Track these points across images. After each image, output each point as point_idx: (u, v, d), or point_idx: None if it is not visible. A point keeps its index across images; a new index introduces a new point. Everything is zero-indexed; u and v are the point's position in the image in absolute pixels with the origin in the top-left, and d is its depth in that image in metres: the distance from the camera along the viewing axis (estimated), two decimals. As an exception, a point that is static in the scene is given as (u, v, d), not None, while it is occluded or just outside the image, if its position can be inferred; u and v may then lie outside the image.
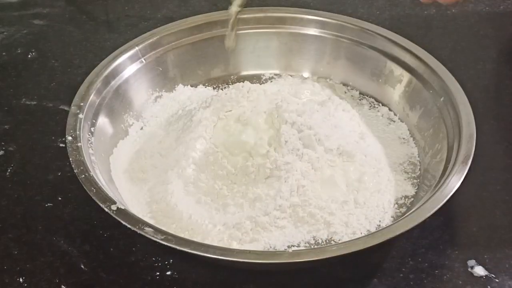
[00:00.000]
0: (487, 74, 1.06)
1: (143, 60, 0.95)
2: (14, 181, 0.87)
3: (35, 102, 1.01)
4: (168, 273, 0.75)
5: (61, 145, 0.92)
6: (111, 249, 0.77)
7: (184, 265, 0.75)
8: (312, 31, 1.01)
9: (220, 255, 0.66)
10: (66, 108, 0.99)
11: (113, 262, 0.76)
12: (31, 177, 0.88)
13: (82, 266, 0.76)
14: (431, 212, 0.69)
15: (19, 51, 1.13)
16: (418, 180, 0.85)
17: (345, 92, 1.00)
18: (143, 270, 0.75)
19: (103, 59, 0.93)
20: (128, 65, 0.93)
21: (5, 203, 0.84)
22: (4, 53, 1.12)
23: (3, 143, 0.93)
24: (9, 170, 0.89)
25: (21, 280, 0.74)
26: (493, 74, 1.07)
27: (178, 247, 0.67)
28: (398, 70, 0.95)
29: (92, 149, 0.80)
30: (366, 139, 0.88)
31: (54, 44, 1.14)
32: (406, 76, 0.93)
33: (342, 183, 0.82)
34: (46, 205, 0.84)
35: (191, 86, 1.00)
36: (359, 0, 1.24)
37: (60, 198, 0.84)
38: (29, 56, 1.11)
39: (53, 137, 0.94)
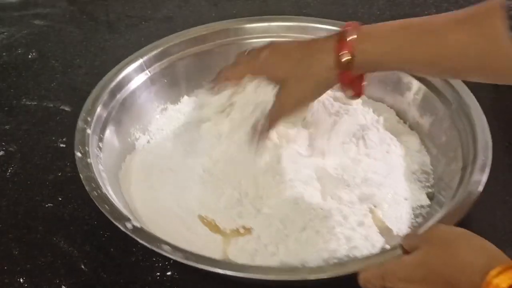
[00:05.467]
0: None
1: (148, 72, 0.94)
2: (14, 181, 0.88)
3: (35, 103, 1.01)
4: (169, 273, 0.75)
5: (61, 145, 0.92)
6: (112, 250, 0.77)
7: (184, 266, 0.75)
8: None
9: (238, 271, 0.66)
10: (66, 109, 0.99)
11: (113, 263, 0.76)
12: (32, 178, 0.88)
13: (83, 267, 0.76)
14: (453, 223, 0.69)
15: (19, 51, 1.13)
16: (433, 189, 0.85)
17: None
18: (143, 270, 0.75)
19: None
20: (133, 78, 0.92)
21: (6, 204, 0.84)
22: (4, 53, 1.12)
23: (3, 143, 0.93)
24: (9, 171, 0.89)
25: (21, 280, 0.74)
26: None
27: (198, 265, 0.66)
28: (406, 78, 0.93)
29: (101, 164, 0.79)
30: (389, 146, 0.88)
31: (54, 44, 1.14)
32: (415, 83, 0.92)
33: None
34: (47, 205, 0.84)
35: (196, 97, 0.99)
36: (359, 0, 1.24)
37: (60, 199, 0.84)
38: (30, 56, 1.11)
39: (53, 137, 0.94)
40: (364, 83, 0.76)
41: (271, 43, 0.79)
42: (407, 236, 0.66)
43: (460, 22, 0.67)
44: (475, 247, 0.57)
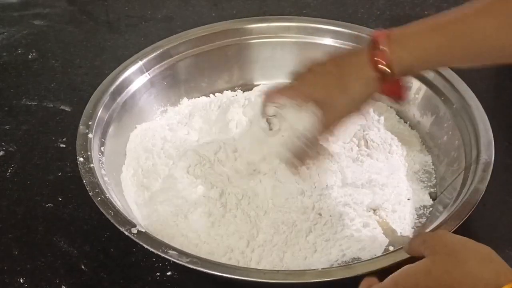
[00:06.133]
0: (487, 74, 1.06)
1: (148, 75, 0.93)
2: (14, 181, 0.88)
3: (35, 103, 1.01)
4: (169, 273, 0.75)
5: (61, 145, 0.92)
6: (112, 250, 0.77)
7: (184, 266, 0.75)
8: (326, 41, 0.99)
9: (244, 276, 0.66)
10: (66, 109, 0.99)
11: (113, 263, 0.76)
12: (32, 178, 0.88)
13: (83, 267, 0.76)
14: (457, 225, 0.69)
15: (19, 51, 1.13)
16: (435, 189, 0.85)
17: None
18: (143, 270, 0.75)
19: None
20: (133, 80, 0.91)
21: (6, 204, 0.84)
22: (4, 54, 1.12)
23: (3, 144, 0.93)
24: (9, 171, 0.89)
25: (21, 280, 0.74)
26: (493, 74, 1.07)
27: (205, 270, 0.66)
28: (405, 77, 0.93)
29: (104, 169, 0.79)
30: (390, 146, 0.88)
31: (54, 44, 1.14)
32: (415, 83, 0.92)
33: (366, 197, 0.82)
34: (47, 205, 0.84)
35: (196, 98, 0.99)
36: (359, 0, 1.24)
37: (60, 199, 0.84)
38: (30, 56, 1.11)
39: (53, 137, 0.94)
40: (403, 85, 0.75)
41: (309, 64, 0.77)
42: (412, 240, 0.65)
43: (489, 9, 0.67)
44: (481, 259, 0.56)
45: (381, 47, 0.70)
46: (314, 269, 0.69)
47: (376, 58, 0.70)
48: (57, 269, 0.76)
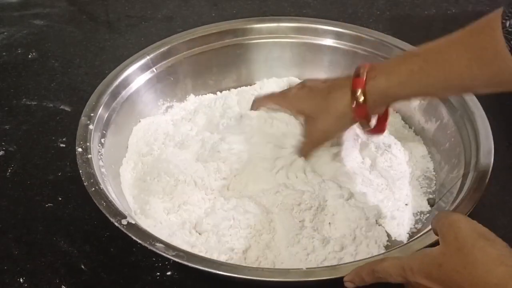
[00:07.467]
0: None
1: (154, 70, 0.93)
2: (14, 181, 0.88)
3: (35, 102, 1.01)
4: (168, 273, 0.75)
5: (61, 145, 0.92)
6: (112, 250, 0.77)
7: (184, 266, 0.75)
8: (328, 41, 0.99)
9: (229, 272, 0.66)
10: (66, 108, 0.99)
11: (113, 263, 0.76)
12: (31, 178, 0.88)
13: (83, 267, 0.76)
14: None
15: (19, 51, 1.13)
16: (434, 196, 0.84)
17: None
18: (143, 270, 0.75)
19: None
20: (139, 75, 0.92)
21: (5, 204, 0.84)
22: (4, 53, 1.12)
23: (3, 143, 0.93)
24: (9, 170, 0.89)
25: (21, 280, 0.74)
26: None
27: (189, 264, 0.66)
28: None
29: (102, 161, 0.79)
30: (393, 151, 0.88)
31: (54, 44, 1.14)
32: None
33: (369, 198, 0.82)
34: (47, 205, 0.84)
35: (202, 95, 0.99)
36: (359, 0, 1.24)
37: (60, 199, 0.84)
38: (30, 56, 1.11)
39: (53, 137, 0.94)
40: (388, 120, 0.82)
41: (303, 81, 0.86)
42: (432, 222, 0.65)
43: (462, 41, 0.69)
44: (491, 261, 0.55)
45: (361, 75, 0.75)
46: (298, 269, 0.68)
47: (354, 84, 0.76)
48: (57, 269, 0.76)
